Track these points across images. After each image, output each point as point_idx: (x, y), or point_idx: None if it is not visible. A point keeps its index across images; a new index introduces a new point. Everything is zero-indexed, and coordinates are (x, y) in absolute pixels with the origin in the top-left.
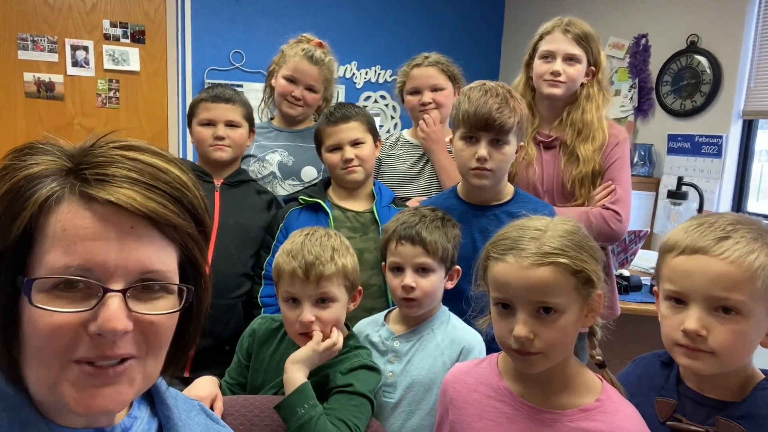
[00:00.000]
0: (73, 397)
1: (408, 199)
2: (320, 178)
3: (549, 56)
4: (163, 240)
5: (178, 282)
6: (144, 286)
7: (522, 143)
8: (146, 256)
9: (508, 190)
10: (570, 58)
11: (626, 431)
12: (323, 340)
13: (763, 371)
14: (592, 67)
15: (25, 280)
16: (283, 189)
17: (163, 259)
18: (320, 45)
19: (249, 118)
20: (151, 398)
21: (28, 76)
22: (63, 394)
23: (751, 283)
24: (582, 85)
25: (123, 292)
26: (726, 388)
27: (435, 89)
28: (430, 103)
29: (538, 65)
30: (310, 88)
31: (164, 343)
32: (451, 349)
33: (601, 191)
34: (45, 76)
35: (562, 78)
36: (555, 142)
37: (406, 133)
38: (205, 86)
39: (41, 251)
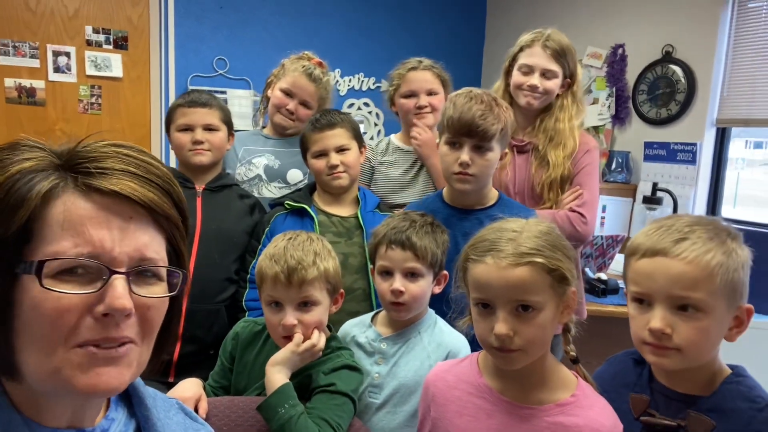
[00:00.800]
0: (78, 378)
1: (403, 206)
2: (305, 180)
3: (527, 70)
4: (156, 229)
5: (175, 268)
6: (140, 271)
7: (506, 150)
8: (144, 243)
9: (492, 194)
10: (547, 73)
11: (600, 425)
12: (304, 342)
13: (730, 366)
14: (568, 79)
15: (36, 262)
16: (269, 191)
17: (156, 247)
18: (320, 64)
19: (227, 122)
20: (129, 399)
21: (9, 82)
22: (68, 378)
23: (710, 281)
24: (557, 95)
25: (126, 274)
26: (695, 383)
27: (430, 93)
28: (426, 106)
29: (517, 76)
30: (304, 104)
31: (155, 329)
32: (438, 353)
33: (569, 195)
34: (26, 82)
35: (539, 91)
36: (527, 147)
37: (395, 138)
38: None
39: (43, 240)
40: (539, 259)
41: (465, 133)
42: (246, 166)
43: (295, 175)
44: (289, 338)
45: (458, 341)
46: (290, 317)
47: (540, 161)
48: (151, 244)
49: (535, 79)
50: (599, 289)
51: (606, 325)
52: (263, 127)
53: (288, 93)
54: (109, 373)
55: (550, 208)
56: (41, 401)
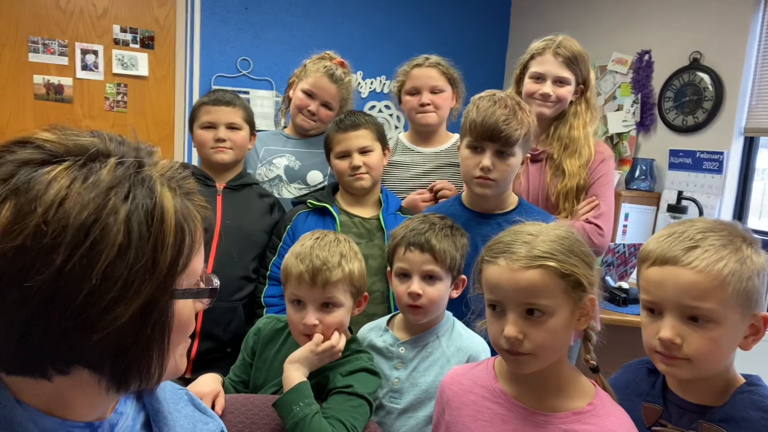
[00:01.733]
0: (182, 361)
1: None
2: (325, 182)
3: (539, 77)
4: None
5: None
6: None
7: (528, 155)
8: None
9: (512, 199)
10: (559, 80)
11: None
12: (323, 342)
13: (744, 375)
14: (581, 86)
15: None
16: (288, 192)
17: None
18: (342, 64)
19: (250, 121)
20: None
21: (38, 79)
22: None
23: (721, 290)
24: (570, 102)
25: None
26: (709, 394)
27: (434, 91)
28: (428, 104)
29: (529, 84)
30: (326, 105)
31: None
32: (458, 357)
33: (585, 206)
34: (54, 79)
35: (551, 100)
36: (542, 156)
37: (404, 138)
38: None
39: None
40: (552, 263)
41: (488, 137)
42: (267, 167)
43: (315, 177)
44: (309, 337)
45: (478, 345)
46: (312, 317)
47: (555, 170)
48: None
49: (547, 87)
50: (620, 299)
51: (627, 335)
52: (284, 127)
53: (309, 94)
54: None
55: (566, 218)
56: (69, 399)
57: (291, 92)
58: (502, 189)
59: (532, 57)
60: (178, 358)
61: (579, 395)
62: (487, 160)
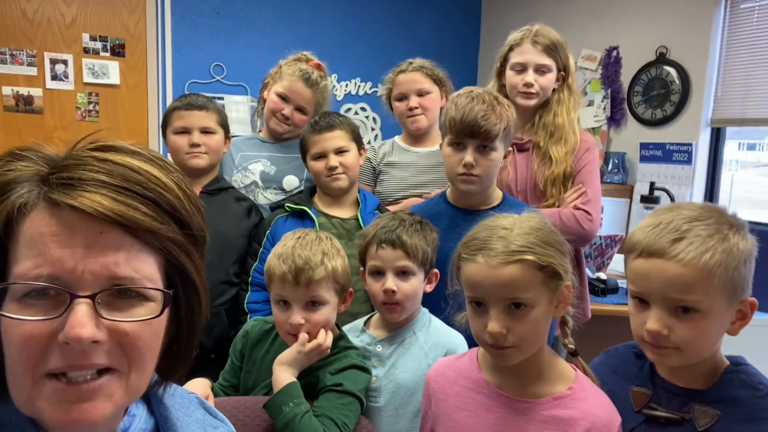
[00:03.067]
0: (49, 412)
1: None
2: (302, 187)
3: (520, 68)
4: (138, 245)
5: (158, 288)
6: (118, 291)
7: (510, 148)
8: (113, 261)
9: (497, 195)
10: (540, 69)
11: (597, 417)
12: (310, 341)
13: (727, 357)
14: (562, 72)
15: None
16: (264, 198)
17: (135, 264)
18: (318, 67)
19: (224, 125)
20: (147, 396)
21: (7, 90)
22: (40, 410)
23: (708, 282)
24: (553, 90)
25: (92, 297)
26: (697, 377)
27: (421, 93)
28: (416, 107)
29: (511, 76)
30: (300, 109)
31: (145, 353)
32: (436, 352)
33: (572, 194)
34: (24, 90)
35: (534, 89)
36: (528, 145)
37: (399, 140)
38: None
39: (13, 261)
40: (530, 257)
41: (468, 134)
42: (242, 173)
43: (291, 182)
44: (296, 336)
45: (455, 339)
46: (297, 316)
47: (542, 158)
48: (128, 261)
49: (529, 77)
50: (599, 289)
51: (607, 324)
52: (259, 131)
53: (283, 97)
54: (82, 409)
55: (554, 204)
56: None
57: (265, 93)
58: (487, 184)
59: (511, 48)
60: (34, 397)
61: (559, 380)
62: (469, 156)
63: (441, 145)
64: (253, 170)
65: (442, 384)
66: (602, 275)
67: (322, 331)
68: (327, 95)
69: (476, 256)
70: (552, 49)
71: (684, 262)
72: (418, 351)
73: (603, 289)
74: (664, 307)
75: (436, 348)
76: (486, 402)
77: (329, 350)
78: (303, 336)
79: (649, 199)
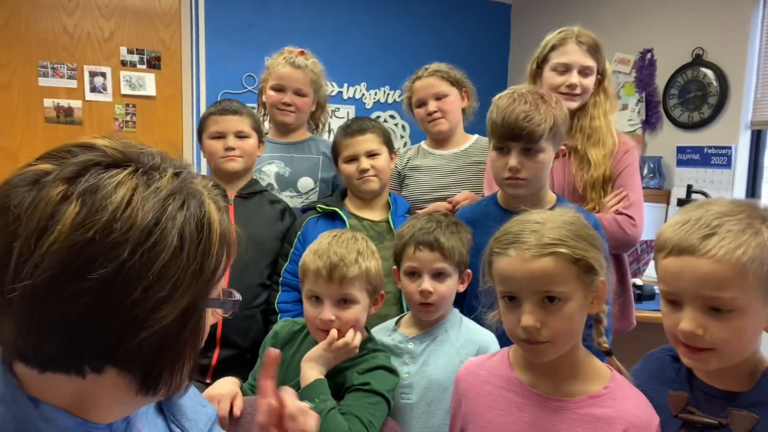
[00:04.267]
0: None
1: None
2: (317, 189)
3: (564, 69)
4: None
5: None
6: None
7: (563, 146)
8: None
9: (550, 197)
10: (585, 70)
11: (634, 416)
12: (338, 340)
13: None
14: (599, 76)
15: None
16: None
17: None
18: (302, 53)
19: (257, 129)
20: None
21: (48, 102)
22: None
23: (742, 278)
24: (590, 94)
25: None
26: (736, 379)
27: (438, 97)
28: (436, 111)
29: (551, 77)
30: (298, 93)
31: None
32: (468, 348)
33: (612, 198)
34: (64, 102)
35: (578, 90)
36: (564, 150)
37: (425, 144)
38: None
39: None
40: (563, 249)
41: (510, 136)
42: (257, 175)
43: (306, 183)
44: (326, 332)
45: (487, 336)
46: (328, 312)
47: (580, 161)
48: None
49: (574, 78)
50: (635, 295)
51: (643, 331)
52: (266, 133)
53: (278, 88)
54: None
55: (594, 209)
56: (92, 400)
57: (264, 98)
58: (536, 187)
59: (552, 48)
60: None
61: (594, 379)
62: (513, 160)
63: (468, 147)
64: (268, 172)
65: (474, 383)
66: (638, 281)
67: (351, 331)
68: (319, 73)
69: (508, 250)
70: (595, 51)
71: (716, 258)
72: (450, 348)
73: (639, 295)
74: (698, 307)
75: (468, 345)
76: (518, 400)
77: (357, 350)
78: (333, 332)
79: (686, 203)
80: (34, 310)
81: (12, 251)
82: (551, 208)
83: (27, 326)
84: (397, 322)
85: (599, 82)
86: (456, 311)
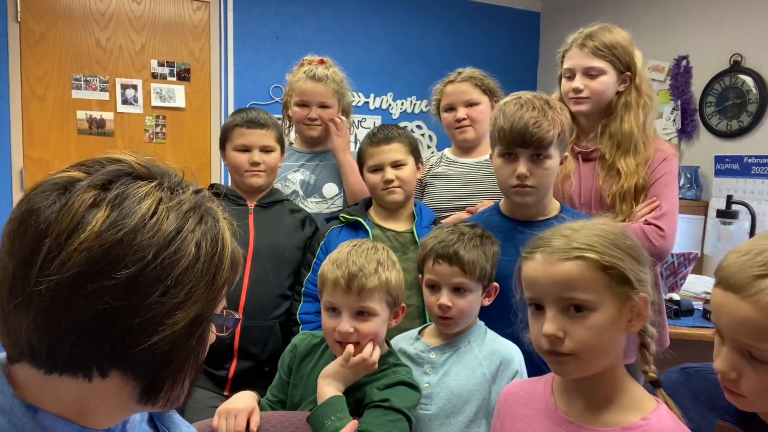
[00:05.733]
0: None
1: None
2: (341, 194)
3: (569, 74)
4: None
5: None
6: None
7: (566, 154)
8: None
9: (554, 205)
10: (589, 72)
11: None
12: (356, 354)
13: None
14: (628, 73)
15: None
16: (305, 207)
17: None
18: (321, 62)
19: (281, 140)
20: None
21: (81, 114)
22: None
23: None
24: (618, 93)
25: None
26: None
27: (469, 104)
28: (464, 119)
29: (563, 84)
30: (323, 106)
31: None
32: (491, 360)
33: (644, 207)
34: (96, 114)
35: (584, 93)
36: (594, 154)
37: (448, 152)
38: None
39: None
40: (590, 254)
41: (519, 143)
42: (282, 183)
43: (331, 189)
44: (343, 345)
45: (511, 348)
46: (346, 324)
47: (608, 171)
48: None
49: (576, 82)
50: (672, 310)
51: (681, 349)
52: (290, 144)
53: (302, 104)
54: None
55: (623, 221)
56: (92, 406)
57: (289, 112)
58: (543, 194)
59: (564, 56)
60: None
61: (633, 409)
62: (522, 167)
63: (491, 156)
64: (293, 180)
65: (512, 404)
66: (675, 296)
67: (369, 345)
68: (340, 81)
69: (535, 254)
70: (601, 49)
71: (760, 305)
72: (473, 359)
73: (677, 311)
74: (734, 347)
75: (491, 356)
76: (551, 427)
77: (376, 366)
78: (349, 349)
79: (726, 214)
80: (56, 305)
81: (40, 249)
82: (555, 216)
83: (46, 322)
84: (420, 332)
85: (629, 80)
86: (481, 324)
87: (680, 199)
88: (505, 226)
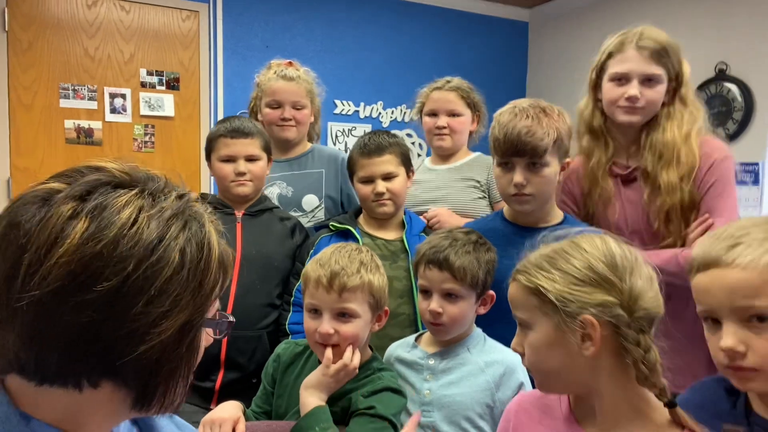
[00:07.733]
0: None
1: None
2: (322, 205)
3: (622, 78)
4: None
5: None
6: None
7: (568, 159)
8: None
9: (557, 213)
10: (647, 79)
11: None
12: (336, 360)
13: None
14: (673, 82)
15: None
16: None
17: None
18: (290, 64)
19: (267, 148)
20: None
21: (69, 123)
22: None
23: None
24: (662, 104)
25: None
26: None
27: (452, 114)
28: (444, 127)
29: (610, 89)
30: (296, 106)
31: None
32: (494, 369)
33: (696, 227)
34: (84, 123)
35: (640, 103)
36: (635, 173)
37: (428, 160)
38: None
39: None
40: (519, 276)
41: (513, 152)
42: None
43: (311, 201)
44: (325, 346)
45: (513, 356)
46: (327, 325)
47: (652, 187)
48: None
49: (633, 89)
50: None
51: None
52: None
53: (275, 105)
54: None
55: (674, 244)
56: (84, 415)
57: (259, 116)
58: (543, 201)
59: (610, 56)
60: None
61: (648, 427)
62: (518, 176)
63: (461, 164)
64: (271, 194)
65: (525, 422)
66: None
67: (349, 350)
68: (313, 82)
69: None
70: (662, 55)
71: (743, 265)
72: (474, 367)
73: None
74: (736, 320)
75: (494, 365)
76: None
77: (357, 371)
78: (328, 355)
79: None
80: (40, 320)
81: (21, 263)
82: (557, 225)
83: (31, 336)
84: (417, 339)
85: (674, 90)
86: (479, 331)
87: None
88: (506, 231)
